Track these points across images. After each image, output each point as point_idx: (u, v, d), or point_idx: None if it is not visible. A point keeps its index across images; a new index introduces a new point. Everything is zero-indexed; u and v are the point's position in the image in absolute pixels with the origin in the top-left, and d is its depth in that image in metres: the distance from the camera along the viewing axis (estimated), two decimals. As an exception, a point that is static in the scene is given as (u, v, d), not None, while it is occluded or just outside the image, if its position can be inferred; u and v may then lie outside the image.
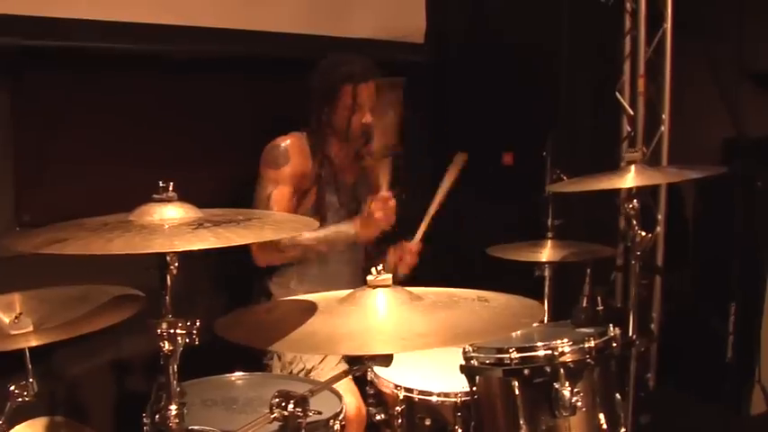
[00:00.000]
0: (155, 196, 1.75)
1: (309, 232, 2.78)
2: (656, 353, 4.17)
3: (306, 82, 2.96)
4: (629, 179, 2.46)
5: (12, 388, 2.08)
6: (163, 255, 1.72)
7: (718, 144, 4.10)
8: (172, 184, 1.75)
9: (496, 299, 1.85)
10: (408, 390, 2.45)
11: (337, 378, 1.78)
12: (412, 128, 3.18)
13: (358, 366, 1.77)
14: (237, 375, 2.44)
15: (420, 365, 2.64)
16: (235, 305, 2.10)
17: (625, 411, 2.52)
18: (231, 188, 3.07)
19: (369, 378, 2.57)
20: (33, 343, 1.92)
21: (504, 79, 3.54)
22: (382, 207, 2.80)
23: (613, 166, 3.69)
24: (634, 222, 2.49)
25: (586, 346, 2.16)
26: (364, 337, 1.64)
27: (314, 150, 2.93)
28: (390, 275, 1.80)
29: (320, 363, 2.73)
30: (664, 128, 4.03)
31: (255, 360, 2.84)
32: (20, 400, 2.11)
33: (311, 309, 1.78)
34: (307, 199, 2.90)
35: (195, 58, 3.08)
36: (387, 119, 2.87)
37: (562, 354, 2.12)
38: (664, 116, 4.02)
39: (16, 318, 2.00)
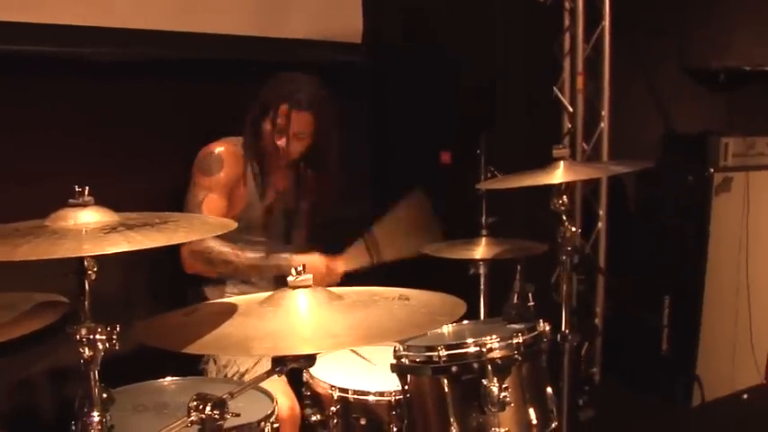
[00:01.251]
0: (70, 201, 1.73)
1: (244, 253, 2.78)
2: (601, 348, 4.22)
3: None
4: (557, 175, 2.48)
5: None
6: (80, 259, 1.70)
7: (657, 140, 4.15)
8: (87, 188, 1.74)
9: (418, 297, 1.86)
10: (343, 390, 2.44)
11: (259, 379, 1.77)
12: (350, 128, 3.18)
13: (280, 367, 1.75)
14: (170, 380, 2.42)
15: (355, 366, 2.65)
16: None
17: (560, 405, 2.57)
18: (166, 194, 3.03)
19: (304, 379, 2.57)
20: (-46, 351, 1.88)
21: (441, 78, 3.56)
22: (324, 274, 2.81)
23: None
24: (564, 218, 2.52)
25: (514, 341, 2.16)
26: (281, 338, 1.64)
27: (247, 155, 2.91)
28: (311, 276, 1.80)
29: (254, 366, 2.71)
30: (603, 124, 4.07)
31: (192, 365, 2.83)
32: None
33: (231, 311, 1.78)
34: (237, 204, 2.88)
35: (124, 61, 3.04)
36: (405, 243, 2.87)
37: (490, 350, 2.13)
38: (603, 113, 4.07)
39: (-63, 327, 1.95)
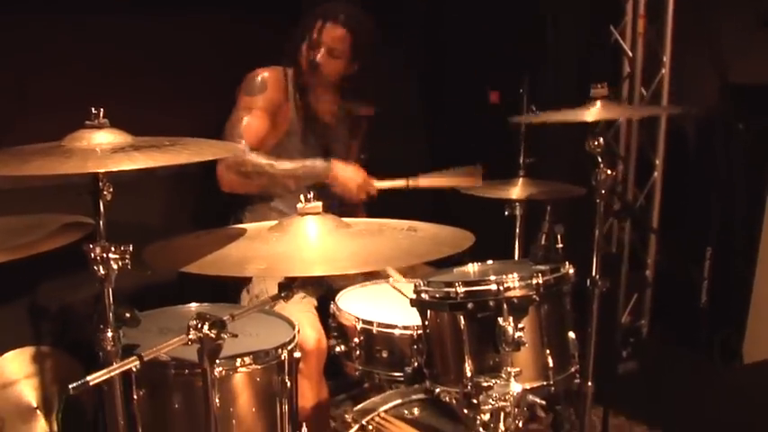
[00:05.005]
0: (86, 122, 1.77)
1: (279, 163, 2.81)
2: (651, 300, 4.13)
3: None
4: (593, 113, 2.40)
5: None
6: (95, 179, 1.75)
7: (720, 89, 3.98)
8: (102, 110, 1.78)
9: (426, 229, 1.85)
10: (367, 322, 2.47)
11: (264, 303, 1.81)
12: (400, 68, 3.15)
13: (285, 292, 1.78)
14: (196, 306, 2.46)
15: (389, 300, 2.66)
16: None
17: (587, 352, 2.53)
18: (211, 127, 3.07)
19: (331, 311, 2.60)
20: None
21: (492, 18, 3.48)
22: (362, 186, 2.85)
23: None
24: (599, 159, 2.45)
25: (534, 282, 2.13)
26: (278, 260, 1.66)
27: (292, 84, 2.92)
28: (320, 204, 1.81)
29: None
30: (664, 70, 3.94)
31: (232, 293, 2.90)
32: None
33: (238, 235, 1.80)
34: (280, 130, 2.91)
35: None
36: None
37: (508, 289, 2.10)
38: (665, 58, 3.93)
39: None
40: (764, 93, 3.73)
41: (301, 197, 1.80)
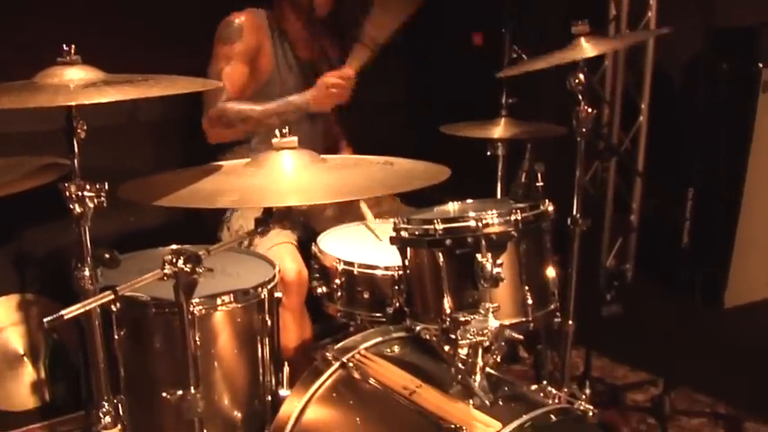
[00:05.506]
0: (58, 59, 1.76)
1: (259, 105, 2.78)
2: (636, 245, 4.15)
3: None
4: (579, 51, 2.37)
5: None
6: (68, 117, 1.74)
7: (706, 31, 3.95)
8: (74, 47, 1.76)
9: (402, 164, 1.85)
10: (348, 263, 2.46)
11: (239, 238, 1.81)
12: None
13: (261, 228, 1.78)
14: (176, 247, 2.46)
15: (363, 242, 2.67)
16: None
17: (567, 291, 2.55)
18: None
19: (312, 252, 2.60)
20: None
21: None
22: (340, 82, 2.76)
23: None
24: (579, 98, 2.43)
25: (512, 218, 2.12)
26: (250, 192, 1.66)
27: (271, 26, 2.89)
28: (296, 138, 1.80)
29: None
30: (651, 13, 3.91)
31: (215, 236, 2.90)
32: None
33: (214, 171, 1.80)
34: (260, 75, 2.88)
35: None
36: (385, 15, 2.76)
37: (486, 225, 2.09)
38: (651, 1, 3.90)
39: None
40: (748, 34, 3.72)
41: (276, 132, 1.79)
